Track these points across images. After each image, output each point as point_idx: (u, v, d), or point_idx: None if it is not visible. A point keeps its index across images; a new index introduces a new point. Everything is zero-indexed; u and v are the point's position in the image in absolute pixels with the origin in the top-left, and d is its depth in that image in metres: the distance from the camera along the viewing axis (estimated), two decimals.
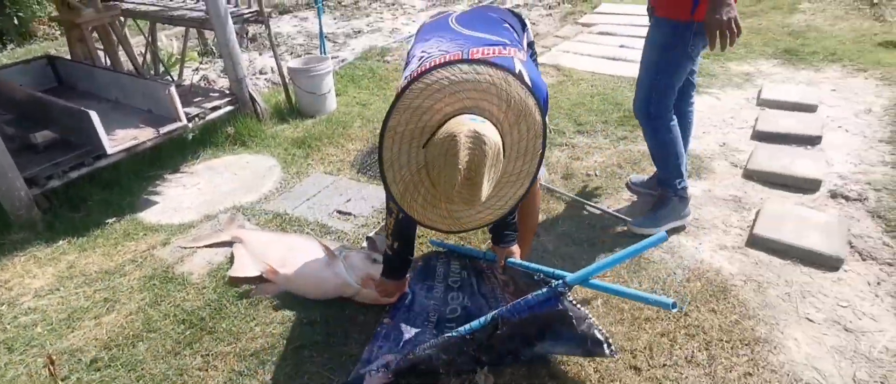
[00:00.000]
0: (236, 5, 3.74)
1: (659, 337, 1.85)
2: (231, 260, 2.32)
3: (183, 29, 4.57)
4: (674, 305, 1.42)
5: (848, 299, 1.98)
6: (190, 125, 3.19)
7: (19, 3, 6.17)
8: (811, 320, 1.91)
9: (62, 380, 1.82)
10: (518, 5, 6.55)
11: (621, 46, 4.67)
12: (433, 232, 2.42)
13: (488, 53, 1.46)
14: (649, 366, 1.76)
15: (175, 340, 1.95)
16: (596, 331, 1.60)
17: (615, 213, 2.49)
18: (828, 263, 2.13)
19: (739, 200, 2.58)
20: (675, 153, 2.27)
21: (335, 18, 6.63)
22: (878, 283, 2.05)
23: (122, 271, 2.34)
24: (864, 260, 2.16)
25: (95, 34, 3.77)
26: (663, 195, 2.37)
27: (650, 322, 1.90)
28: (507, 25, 1.78)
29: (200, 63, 5.21)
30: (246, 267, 2.23)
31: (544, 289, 1.62)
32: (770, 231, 2.27)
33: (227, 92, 3.67)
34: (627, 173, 2.79)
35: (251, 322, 2.00)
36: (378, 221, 2.56)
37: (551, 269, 1.75)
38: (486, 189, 1.34)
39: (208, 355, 1.88)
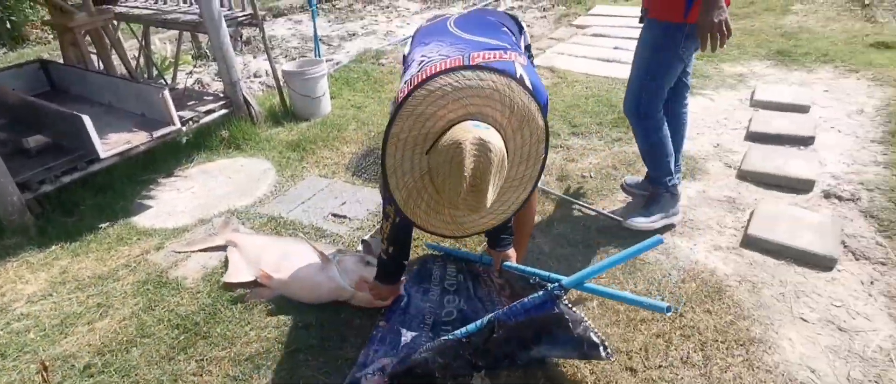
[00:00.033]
0: (230, 8, 3.72)
1: (654, 338, 1.86)
2: (225, 264, 2.31)
3: (177, 32, 4.55)
4: (668, 309, 1.42)
5: (842, 299, 1.99)
6: (184, 129, 3.18)
7: (11, 7, 6.13)
8: (805, 320, 1.92)
9: None
10: (513, 8, 6.56)
11: (615, 48, 4.69)
12: (429, 235, 2.42)
13: (489, 58, 1.46)
14: (645, 367, 1.76)
15: (169, 345, 1.94)
16: (592, 334, 1.60)
17: (610, 215, 2.50)
18: (821, 263, 2.14)
19: (733, 201, 2.59)
20: (664, 152, 2.29)
21: (330, 21, 6.62)
22: (872, 283, 2.06)
23: (115, 276, 2.32)
24: (857, 259, 2.17)
25: (88, 38, 3.75)
26: (654, 192, 2.39)
27: (646, 323, 1.91)
28: (505, 29, 1.78)
29: (194, 66, 5.19)
30: (240, 272, 2.22)
31: (540, 293, 1.62)
32: (764, 231, 2.28)
33: (222, 95, 3.66)
34: (622, 175, 2.79)
35: (246, 326, 1.99)
36: (373, 224, 2.56)
37: (547, 273, 1.75)
38: (491, 196, 1.34)
39: (203, 360, 1.87)
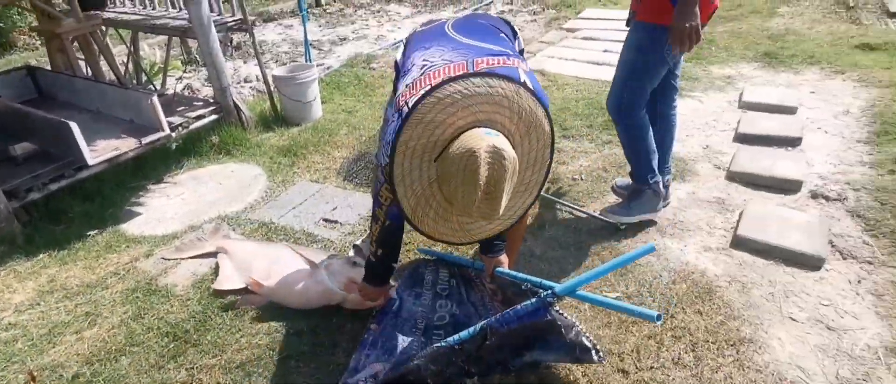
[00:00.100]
0: (220, 13, 3.71)
1: (646, 339, 1.86)
2: (215, 271, 2.29)
3: (166, 38, 4.53)
4: (658, 317, 1.43)
5: (830, 298, 2.01)
6: (173, 135, 3.16)
7: None
8: (794, 319, 1.94)
9: None
10: (503, 11, 6.59)
11: (605, 51, 4.72)
12: (422, 240, 2.42)
13: (493, 63, 1.46)
14: (637, 368, 1.76)
15: (159, 354, 1.92)
16: (584, 339, 1.61)
17: (601, 217, 2.51)
18: (810, 263, 2.16)
19: (723, 202, 2.61)
20: (646, 150, 2.32)
21: (320, 26, 6.62)
22: (859, 282, 2.08)
23: (104, 284, 2.30)
24: (844, 259, 2.20)
25: (76, 44, 3.72)
26: (637, 188, 2.43)
27: (637, 325, 1.91)
28: (502, 34, 1.80)
29: (184, 72, 5.16)
30: (230, 279, 2.20)
31: (533, 300, 1.63)
32: (753, 232, 2.30)
33: (212, 101, 3.64)
34: (613, 177, 2.81)
35: (237, 333, 1.98)
36: (365, 229, 2.55)
37: (539, 280, 1.75)
38: (504, 203, 1.34)
39: (193, 368, 1.85)
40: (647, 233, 2.42)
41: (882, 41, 4.33)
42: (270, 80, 3.84)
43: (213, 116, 3.50)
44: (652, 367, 1.77)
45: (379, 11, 7.13)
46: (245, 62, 5.44)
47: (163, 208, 2.89)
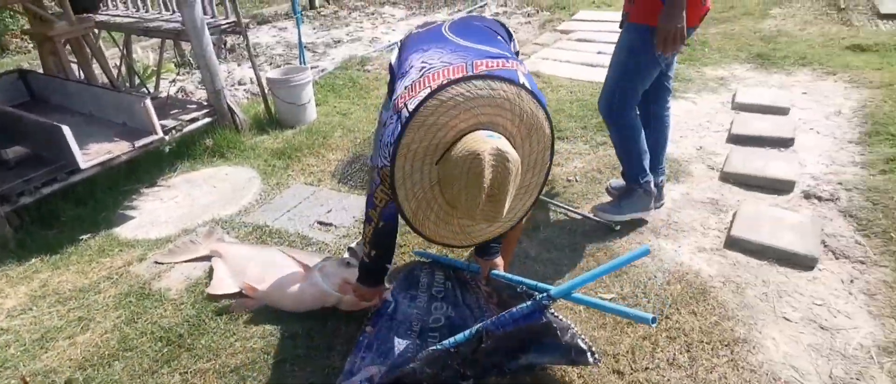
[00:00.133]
0: (213, 16, 3.70)
1: (641, 340, 1.87)
2: (209, 275, 2.28)
3: (159, 40, 4.51)
4: (653, 320, 1.44)
5: (823, 298, 2.03)
6: (166, 138, 3.15)
7: None
8: (788, 319, 1.95)
9: None
10: (498, 14, 6.60)
11: (599, 53, 4.73)
12: (418, 243, 2.42)
13: (493, 66, 1.46)
14: (632, 369, 1.77)
15: (152, 358, 1.90)
16: (579, 341, 1.61)
17: (595, 217, 2.51)
18: (803, 263, 2.18)
19: (717, 203, 2.62)
20: (637, 150, 2.34)
21: (314, 28, 6.61)
22: (852, 281, 2.09)
23: (96, 288, 2.28)
24: (837, 258, 2.21)
25: (69, 47, 3.70)
26: (629, 188, 2.44)
27: (632, 326, 1.92)
28: (499, 37, 1.80)
29: (177, 74, 5.14)
30: (224, 284, 2.19)
31: (528, 303, 1.63)
32: (747, 232, 2.31)
33: (205, 103, 3.63)
34: (607, 178, 2.82)
35: (231, 337, 1.97)
36: (359, 231, 2.55)
37: (534, 282, 1.75)
38: (508, 205, 1.35)
39: (187, 373, 1.84)
40: (642, 235, 2.43)
41: (873, 42, 4.37)
42: (264, 82, 3.83)
43: (207, 119, 3.49)
44: (647, 368, 1.77)
45: (373, 14, 7.13)
46: (239, 65, 5.42)
47: (156, 212, 2.88)
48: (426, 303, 1.97)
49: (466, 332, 1.65)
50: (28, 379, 1.82)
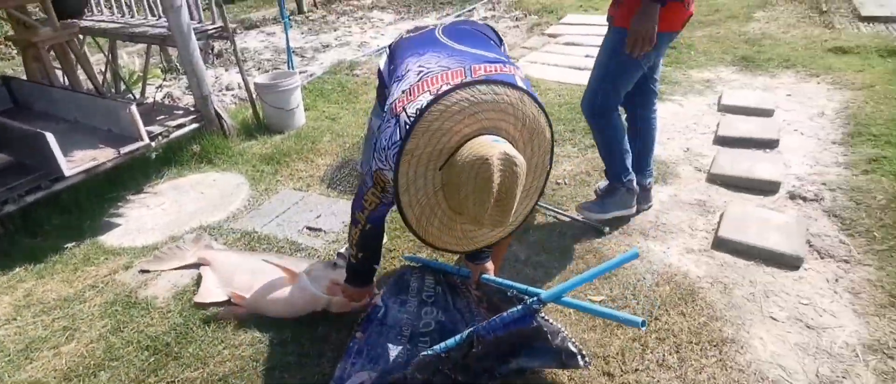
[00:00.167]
0: (200, 21, 3.68)
1: (631, 342, 1.88)
2: (197, 282, 2.26)
3: (145, 46, 4.47)
4: (643, 323, 1.45)
5: (809, 297, 2.05)
6: (153, 144, 3.11)
7: None
8: (775, 319, 1.97)
9: None
10: (486, 18, 6.63)
11: (587, 56, 4.77)
12: (407, 247, 2.41)
13: (491, 71, 1.46)
14: (622, 371, 1.78)
15: (139, 368, 1.88)
16: (569, 344, 1.62)
17: (581, 218, 2.52)
18: (789, 263, 2.20)
19: (704, 204, 2.64)
20: (619, 149, 2.38)
21: (303, 33, 6.59)
22: (837, 280, 2.12)
23: (82, 298, 2.25)
24: (822, 258, 2.24)
25: (53, 53, 3.65)
26: (612, 186, 2.48)
27: (622, 328, 1.93)
28: (492, 42, 1.80)
29: (164, 80, 5.10)
30: (213, 293, 2.16)
31: (519, 307, 1.63)
32: (734, 233, 2.34)
33: (192, 109, 3.60)
34: (596, 180, 2.83)
35: (219, 345, 1.95)
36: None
37: (524, 286, 1.76)
38: (515, 210, 1.35)
39: (174, 382, 1.82)
40: (631, 237, 2.45)
41: (854, 44, 4.44)
42: (252, 87, 3.81)
43: (194, 125, 3.46)
44: (637, 369, 1.78)
45: (362, 18, 7.12)
46: (227, 70, 5.39)
47: (142, 219, 2.85)
48: (416, 308, 1.97)
49: (457, 337, 1.64)
50: None
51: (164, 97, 4.62)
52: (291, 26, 6.47)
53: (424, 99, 1.38)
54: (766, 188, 2.70)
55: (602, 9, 6.36)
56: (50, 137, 2.56)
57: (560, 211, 2.62)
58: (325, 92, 4.43)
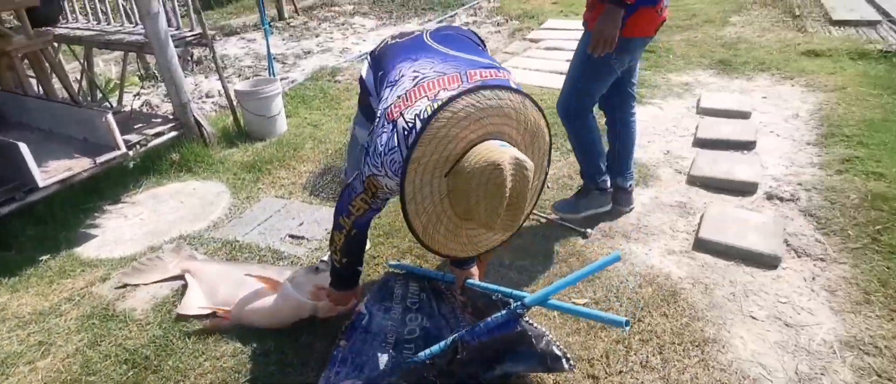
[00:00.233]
0: (178, 28, 3.63)
1: (614, 344, 1.89)
2: (178, 294, 2.22)
3: (122, 53, 4.40)
4: (627, 323, 1.46)
5: (787, 295, 2.09)
6: (130, 153, 3.06)
7: None
8: (755, 318, 2.00)
9: None
10: (468, 23, 6.66)
11: (567, 61, 4.72)
12: (391, 253, 2.40)
13: (486, 76, 1.46)
14: (606, 373, 1.79)
15: (117, 382, 1.84)
16: (554, 348, 1.62)
17: (569, 224, 2.54)
18: (767, 262, 2.24)
19: (685, 206, 2.68)
20: (594, 151, 2.44)
21: (284, 39, 6.55)
22: (814, 278, 2.16)
23: (57, 311, 2.20)
24: (799, 257, 2.28)
25: (27, 61, 3.58)
26: (586, 187, 2.53)
27: (606, 330, 1.94)
28: (479, 47, 1.81)
29: (142, 88, 5.03)
30: (196, 305, 2.12)
31: (503, 312, 1.63)
32: (714, 234, 2.37)
33: (171, 117, 3.55)
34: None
35: (200, 357, 1.92)
36: None
37: (509, 290, 1.76)
38: (526, 213, 1.36)
39: None
40: (613, 239, 2.47)
41: (826, 48, 4.56)
42: (233, 94, 3.77)
43: (173, 133, 3.41)
44: (621, 371, 1.79)
45: (343, 24, 7.10)
46: (206, 77, 5.33)
47: (120, 229, 2.79)
48: (401, 315, 1.96)
49: (442, 344, 1.64)
50: None
51: (141, 105, 4.55)
52: (272, 33, 6.43)
53: (422, 104, 1.38)
54: (744, 189, 2.75)
55: (581, 14, 6.43)
56: (23, 147, 2.50)
57: (543, 214, 2.63)
58: (306, 98, 4.40)
